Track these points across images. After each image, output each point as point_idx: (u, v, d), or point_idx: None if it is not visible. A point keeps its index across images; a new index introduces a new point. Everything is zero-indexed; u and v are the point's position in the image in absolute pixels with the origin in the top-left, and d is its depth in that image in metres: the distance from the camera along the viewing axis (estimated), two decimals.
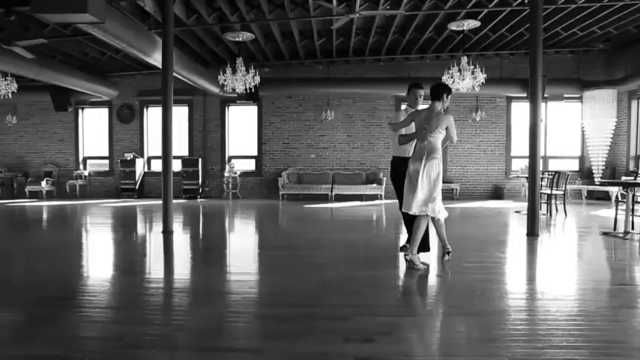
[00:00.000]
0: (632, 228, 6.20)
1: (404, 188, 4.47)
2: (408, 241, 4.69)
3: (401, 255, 5.23)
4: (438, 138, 4.32)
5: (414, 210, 4.33)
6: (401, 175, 4.62)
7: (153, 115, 13.71)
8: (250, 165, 13.53)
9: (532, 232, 6.28)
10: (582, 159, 12.89)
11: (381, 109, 12.98)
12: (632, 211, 6.25)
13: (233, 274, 4.42)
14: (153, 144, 13.80)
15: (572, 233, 6.89)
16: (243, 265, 4.87)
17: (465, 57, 9.61)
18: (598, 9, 8.85)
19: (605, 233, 6.40)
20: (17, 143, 13.99)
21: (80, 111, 13.96)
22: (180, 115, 13.16)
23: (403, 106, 5.10)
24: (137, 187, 13.09)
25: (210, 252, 5.55)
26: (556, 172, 8.73)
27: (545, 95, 11.08)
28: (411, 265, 4.32)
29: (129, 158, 13.03)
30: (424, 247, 4.71)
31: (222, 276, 4.29)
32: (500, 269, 4.51)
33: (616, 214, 6.84)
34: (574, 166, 12.85)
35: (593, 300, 3.43)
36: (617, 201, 7.14)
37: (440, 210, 4.35)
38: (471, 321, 2.91)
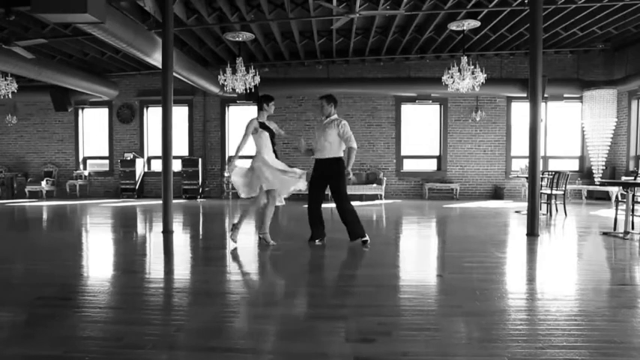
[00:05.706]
0: (632, 228, 6.20)
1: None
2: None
3: (401, 255, 5.23)
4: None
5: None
6: None
7: (153, 115, 13.72)
8: None
9: (532, 232, 6.28)
10: (582, 159, 12.89)
11: (381, 109, 12.97)
12: (632, 211, 6.24)
13: (233, 274, 4.42)
14: (153, 144, 13.80)
15: (572, 233, 6.88)
16: (243, 265, 4.87)
17: (465, 57, 9.62)
18: (598, 9, 8.86)
19: (605, 233, 6.40)
20: (17, 143, 14.00)
21: (80, 111, 13.96)
22: (180, 115, 13.16)
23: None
24: (137, 187, 13.09)
25: (210, 252, 5.55)
26: (556, 172, 8.73)
27: (545, 95, 11.08)
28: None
29: (129, 158, 13.03)
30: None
31: (221, 276, 4.28)
32: (500, 269, 4.51)
33: (616, 214, 6.84)
34: (574, 166, 12.86)
35: (593, 300, 3.42)
36: (617, 201, 7.14)
37: None
38: (471, 321, 2.91)
